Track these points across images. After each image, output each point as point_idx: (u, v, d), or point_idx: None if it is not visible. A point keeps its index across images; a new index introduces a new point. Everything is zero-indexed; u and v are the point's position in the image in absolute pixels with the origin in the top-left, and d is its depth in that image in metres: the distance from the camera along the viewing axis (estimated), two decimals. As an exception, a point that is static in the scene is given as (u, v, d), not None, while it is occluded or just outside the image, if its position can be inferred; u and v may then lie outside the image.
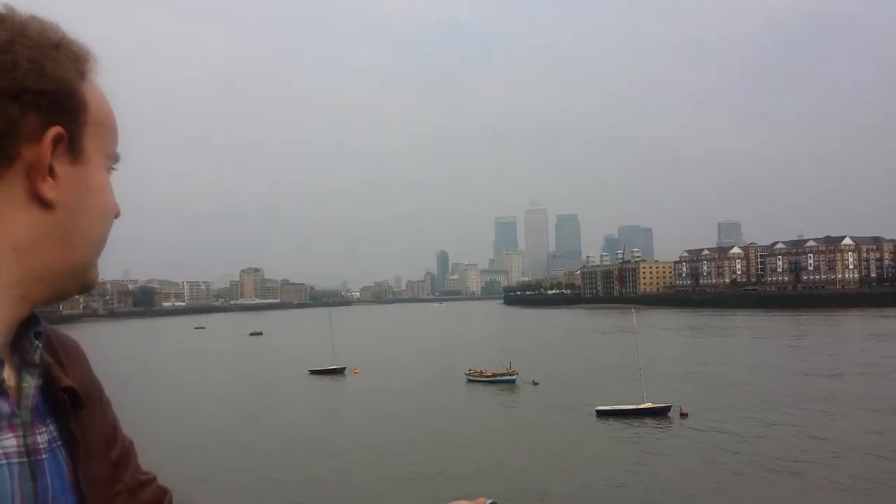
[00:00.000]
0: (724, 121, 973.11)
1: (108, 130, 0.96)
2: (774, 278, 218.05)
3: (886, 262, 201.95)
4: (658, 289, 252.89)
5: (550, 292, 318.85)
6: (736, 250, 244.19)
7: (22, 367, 0.92)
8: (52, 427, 0.94)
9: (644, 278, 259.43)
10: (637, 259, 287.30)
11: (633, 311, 61.20)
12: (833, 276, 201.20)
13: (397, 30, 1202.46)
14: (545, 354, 73.47)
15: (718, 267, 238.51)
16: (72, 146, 0.90)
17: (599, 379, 54.19)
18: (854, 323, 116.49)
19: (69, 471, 0.94)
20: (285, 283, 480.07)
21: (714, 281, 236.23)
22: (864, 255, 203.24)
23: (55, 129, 0.87)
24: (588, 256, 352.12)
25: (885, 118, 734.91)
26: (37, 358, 0.93)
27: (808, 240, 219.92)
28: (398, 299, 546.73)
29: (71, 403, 0.96)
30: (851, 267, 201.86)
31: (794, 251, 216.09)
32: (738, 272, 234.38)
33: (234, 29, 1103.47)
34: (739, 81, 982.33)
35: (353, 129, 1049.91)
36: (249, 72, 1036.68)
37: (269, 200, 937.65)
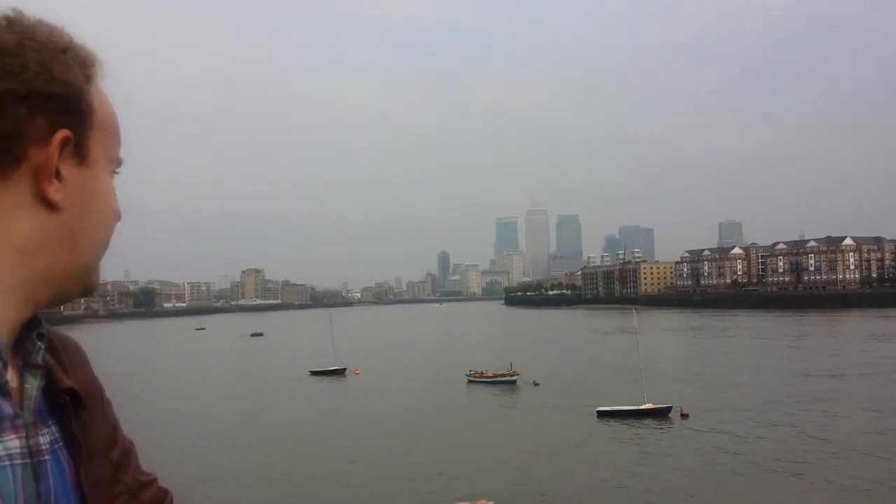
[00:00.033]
0: (725, 121, 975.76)
1: (113, 135, 0.97)
2: (775, 279, 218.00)
3: (887, 262, 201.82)
4: (659, 289, 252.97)
5: (551, 293, 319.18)
6: (737, 251, 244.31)
7: (24, 368, 0.92)
8: (53, 428, 0.94)
9: (645, 279, 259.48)
10: (638, 259, 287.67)
11: (634, 311, 61.41)
12: (834, 277, 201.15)
13: (397, 30, 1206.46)
14: (546, 355, 73.34)
15: (719, 267, 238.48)
16: (78, 149, 0.91)
17: (600, 380, 54.18)
18: (855, 323, 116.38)
19: (71, 472, 0.95)
20: (286, 283, 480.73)
21: (715, 281, 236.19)
22: (865, 255, 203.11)
23: (63, 132, 0.88)
24: (589, 257, 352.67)
25: (885, 118, 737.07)
26: (39, 359, 0.94)
27: (808, 240, 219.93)
28: (399, 300, 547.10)
29: (72, 405, 0.97)
30: (852, 267, 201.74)
31: (794, 251, 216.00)
32: (739, 272, 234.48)
33: (234, 29, 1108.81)
34: (739, 81, 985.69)
35: (353, 129, 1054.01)
36: (249, 72, 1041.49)
37: (269, 200, 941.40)
